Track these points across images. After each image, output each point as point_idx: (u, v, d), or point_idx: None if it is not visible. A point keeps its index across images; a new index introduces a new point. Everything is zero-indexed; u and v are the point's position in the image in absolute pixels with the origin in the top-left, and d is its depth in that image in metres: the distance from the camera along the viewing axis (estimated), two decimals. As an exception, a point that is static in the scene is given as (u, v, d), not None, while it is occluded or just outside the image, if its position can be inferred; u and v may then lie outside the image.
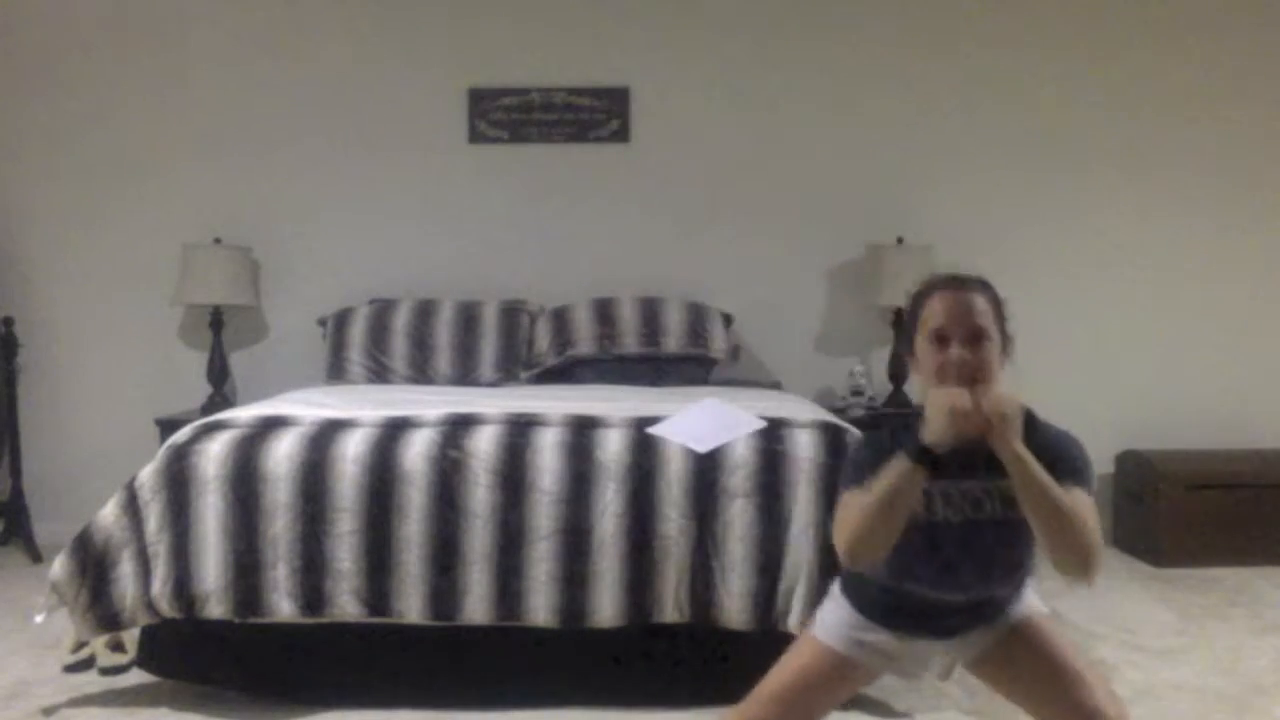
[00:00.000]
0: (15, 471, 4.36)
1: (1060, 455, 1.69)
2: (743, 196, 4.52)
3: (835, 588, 1.94)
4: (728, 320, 4.30)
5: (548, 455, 2.68)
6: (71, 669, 2.78)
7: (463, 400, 3.27)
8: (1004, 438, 1.60)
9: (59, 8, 4.49)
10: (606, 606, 2.60)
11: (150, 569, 2.66)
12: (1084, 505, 1.62)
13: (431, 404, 3.13)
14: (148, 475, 2.71)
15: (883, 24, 4.51)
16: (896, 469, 1.63)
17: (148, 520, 2.68)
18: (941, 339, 1.69)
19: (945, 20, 4.51)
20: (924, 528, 1.71)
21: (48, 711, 2.70)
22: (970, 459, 1.68)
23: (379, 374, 4.12)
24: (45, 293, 4.53)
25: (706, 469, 2.66)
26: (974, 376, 1.66)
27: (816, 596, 2.58)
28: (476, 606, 2.62)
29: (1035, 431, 1.72)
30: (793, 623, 2.60)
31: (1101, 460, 4.55)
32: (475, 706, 2.69)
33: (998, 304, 1.75)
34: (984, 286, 1.77)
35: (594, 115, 4.49)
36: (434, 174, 4.52)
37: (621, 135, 4.49)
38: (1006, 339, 1.75)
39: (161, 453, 2.77)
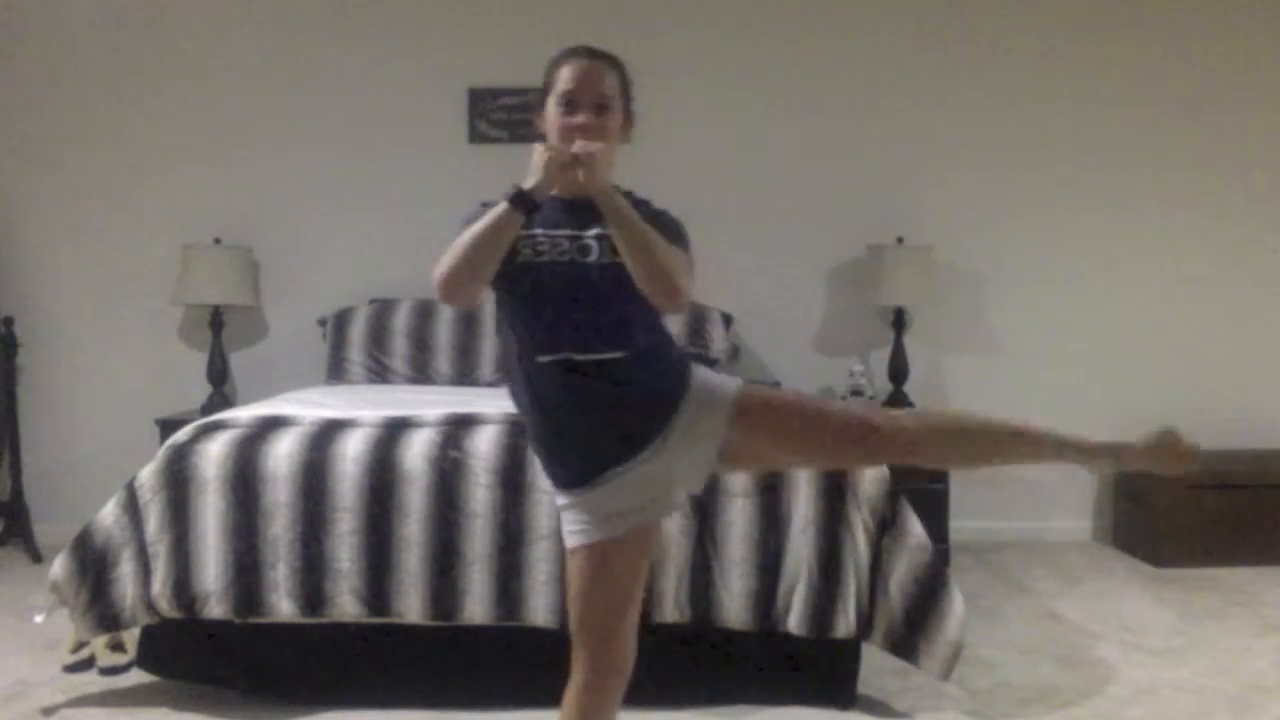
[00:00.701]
0: (15, 471, 4.37)
1: (658, 219, 1.80)
2: (743, 196, 4.52)
3: (558, 499, 1.91)
4: (728, 320, 4.30)
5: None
6: (71, 669, 2.78)
7: (463, 400, 3.27)
8: (591, 177, 1.68)
9: (59, 8, 4.49)
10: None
11: (150, 569, 2.66)
12: (674, 251, 1.74)
13: (431, 404, 3.13)
14: (148, 475, 2.72)
15: (883, 24, 4.51)
16: (496, 210, 1.72)
17: (148, 520, 2.68)
18: (570, 104, 1.78)
19: (945, 20, 4.51)
20: (531, 269, 1.78)
21: (48, 711, 2.71)
22: (582, 214, 1.78)
23: (379, 374, 4.13)
24: (45, 293, 4.53)
25: (706, 469, 2.65)
26: (590, 138, 1.74)
27: (816, 596, 2.60)
28: (476, 606, 2.62)
29: (637, 202, 1.81)
30: (792, 623, 2.60)
31: (1101, 460, 4.55)
32: (475, 706, 2.69)
33: (626, 83, 1.86)
34: (616, 64, 1.86)
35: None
36: (434, 174, 4.52)
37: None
38: (629, 117, 1.86)
39: (161, 453, 2.77)
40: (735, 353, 4.39)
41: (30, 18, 4.49)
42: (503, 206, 1.71)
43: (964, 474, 4.36)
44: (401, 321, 4.19)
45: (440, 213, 4.46)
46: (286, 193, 4.53)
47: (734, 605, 2.61)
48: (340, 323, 4.25)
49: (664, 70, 4.49)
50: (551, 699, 2.69)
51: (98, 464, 4.35)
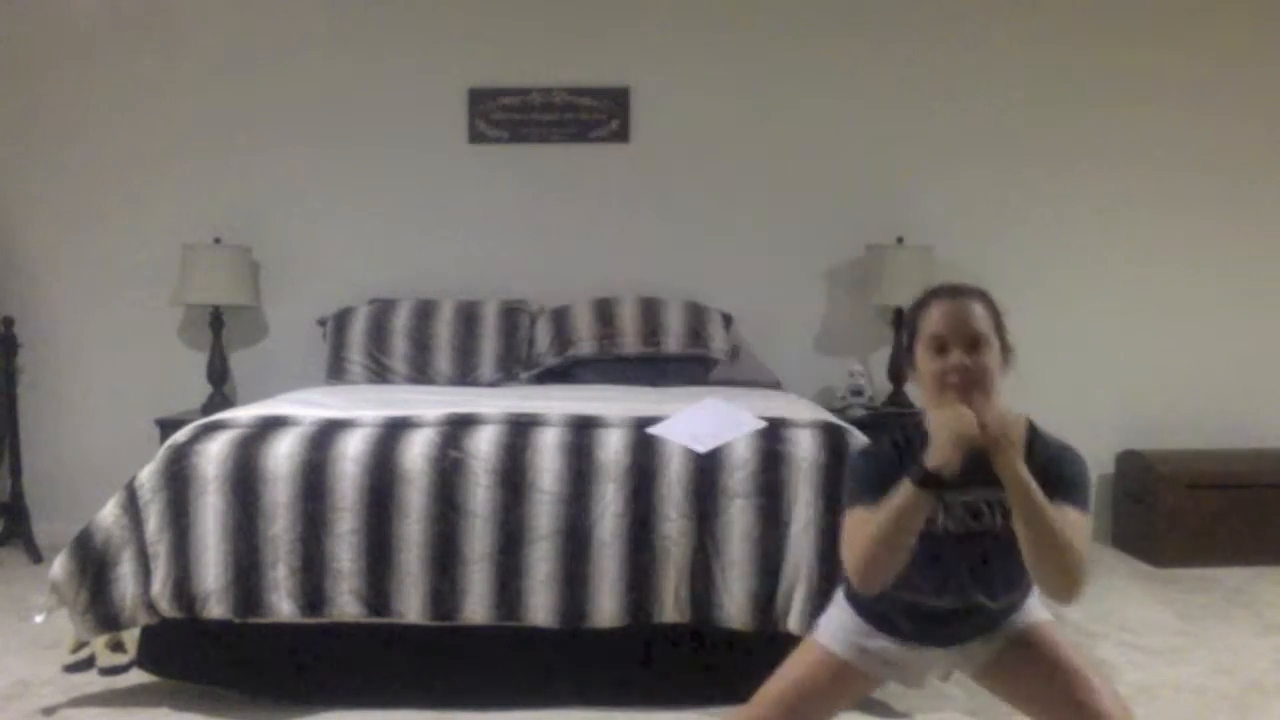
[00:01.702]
0: (15, 471, 4.36)
1: (1061, 473, 1.68)
2: (743, 196, 4.52)
3: (839, 594, 1.93)
4: (728, 320, 4.30)
5: (548, 455, 2.68)
6: (71, 669, 2.78)
7: (463, 400, 3.27)
8: (1006, 457, 1.60)
9: (59, 8, 4.49)
10: (606, 606, 2.60)
11: (150, 569, 2.66)
12: (1076, 526, 1.61)
13: (431, 404, 3.13)
14: (148, 475, 2.71)
15: (883, 24, 4.51)
16: (903, 493, 1.62)
17: (148, 520, 2.68)
18: (941, 346, 1.69)
19: (946, 21, 4.51)
20: (924, 538, 1.70)
21: (48, 711, 2.70)
22: (972, 469, 1.66)
23: (379, 374, 4.12)
24: (45, 293, 4.53)
25: (706, 469, 2.66)
26: (974, 382, 1.67)
27: (816, 596, 2.59)
28: (476, 606, 2.62)
29: (1037, 443, 1.72)
30: (793, 623, 2.60)
31: (1101, 460, 4.55)
32: (475, 706, 2.69)
33: (996, 313, 1.75)
34: (982, 296, 1.76)
35: (594, 115, 4.49)
36: (434, 174, 4.52)
37: (621, 135, 4.49)
38: (1006, 348, 1.75)
39: (161, 453, 2.77)
40: (735, 353, 4.39)
41: (31, 18, 4.49)
42: (910, 489, 1.62)
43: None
44: (401, 321, 4.19)
45: (440, 213, 4.51)
46: (286, 193, 4.53)
47: (734, 605, 2.61)
48: (340, 323, 4.25)
49: (664, 70, 4.49)
50: (552, 699, 2.70)
51: (98, 464, 4.35)
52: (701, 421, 2.82)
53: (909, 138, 4.52)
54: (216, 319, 4.37)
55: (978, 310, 1.71)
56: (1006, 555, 1.69)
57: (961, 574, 1.73)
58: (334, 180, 4.53)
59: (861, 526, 1.66)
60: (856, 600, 1.87)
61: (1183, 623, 3.42)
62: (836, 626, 1.87)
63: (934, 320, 1.69)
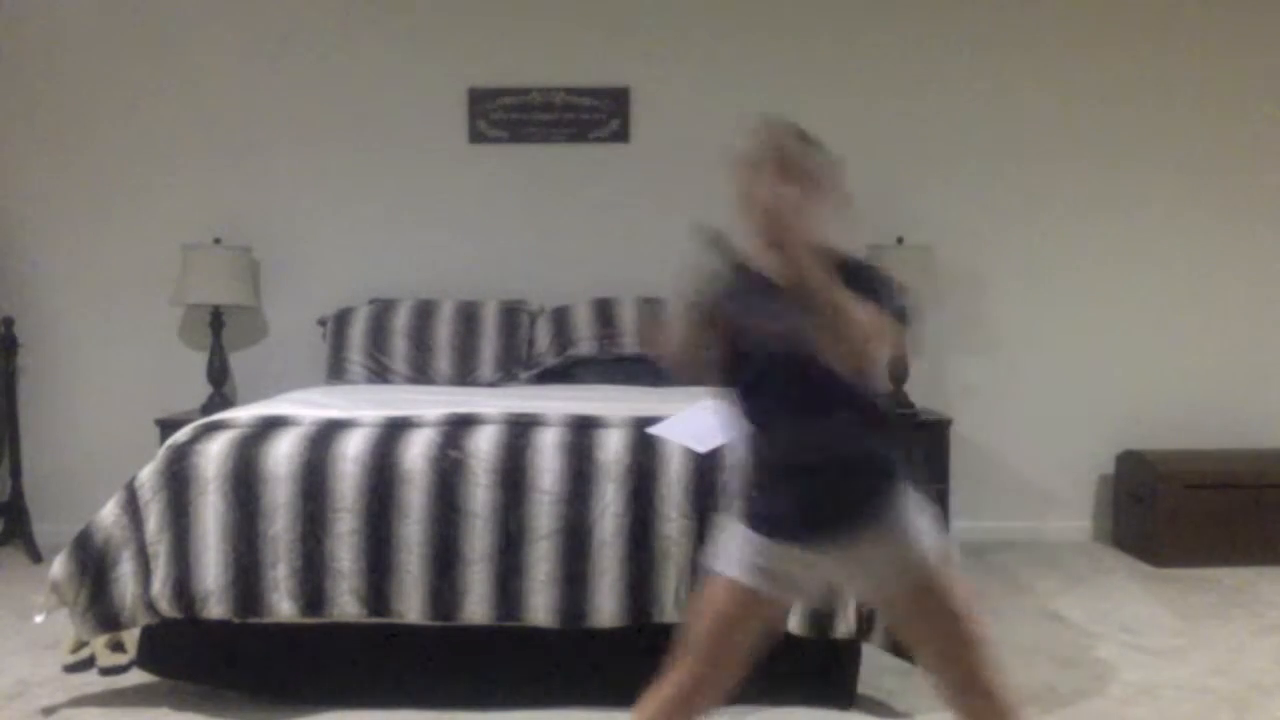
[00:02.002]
0: (15, 471, 4.36)
1: (865, 282, 1.75)
2: (743, 196, 4.51)
3: (730, 521, 1.95)
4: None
5: (548, 455, 2.68)
6: (71, 669, 2.78)
7: (463, 400, 3.27)
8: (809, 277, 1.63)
9: (59, 8, 4.49)
10: (606, 606, 2.60)
11: (150, 569, 2.66)
12: (871, 312, 1.65)
13: (431, 404, 3.13)
14: (148, 475, 2.71)
15: (882, 24, 4.51)
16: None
17: (148, 520, 2.68)
18: (760, 175, 1.78)
19: (945, 20, 4.51)
20: (751, 357, 1.79)
21: (48, 711, 2.71)
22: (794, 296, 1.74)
23: (379, 374, 4.13)
24: (45, 293, 4.53)
25: (706, 469, 2.66)
26: (791, 211, 1.72)
27: (816, 596, 2.59)
28: (476, 606, 2.62)
29: (849, 263, 1.77)
30: (792, 623, 2.60)
31: (1101, 460, 4.56)
32: (475, 706, 2.69)
33: (831, 161, 1.84)
34: (808, 137, 1.85)
35: (594, 115, 4.49)
36: (434, 174, 4.52)
37: (621, 135, 4.49)
38: (836, 193, 1.83)
39: (161, 453, 2.77)
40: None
41: (30, 18, 4.49)
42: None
43: (964, 473, 4.38)
44: (401, 321, 4.19)
45: (440, 213, 4.51)
46: (286, 193, 4.53)
47: (734, 605, 2.61)
48: (340, 323, 4.25)
49: (664, 70, 4.49)
50: (552, 699, 2.70)
51: (98, 464, 4.35)
52: (701, 422, 2.82)
53: (909, 137, 4.52)
54: (216, 319, 4.37)
55: (801, 145, 1.81)
56: (833, 380, 1.72)
57: (792, 393, 1.77)
58: (334, 180, 4.53)
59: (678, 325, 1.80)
60: (744, 509, 1.90)
61: (1183, 623, 3.42)
62: (732, 551, 1.88)
63: (757, 149, 1.80)
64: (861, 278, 1.72)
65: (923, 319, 1.79)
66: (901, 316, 1.78)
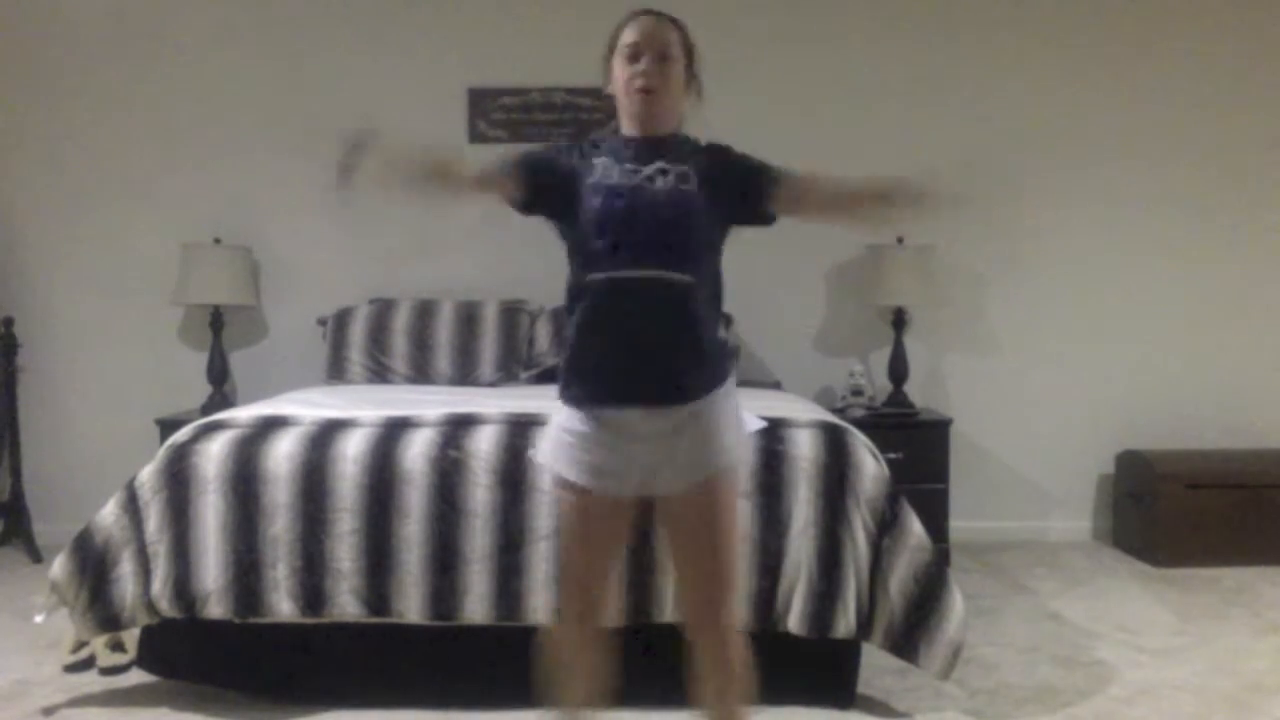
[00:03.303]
0: (15, 471, 4.37)
1: (730, 160, 1.98)
2: (743, 196, 4.52)
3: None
4: (728, 320, 4.30)
5: (536, 452, 2.68)
6: (71, 669, 2.78)
7: (463, 400, 3.27)
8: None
9: (59, 8, 4.49)
10: (607, 607, 2.60)
11: (150, 569, 2.66)
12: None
13: (431, 404, 3.13)
14: (148, 475, 2.72)
15: (881, 25, 4.51)
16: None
17: (148, 520, 2.68)
18: (633, 56, 1.88)
19: (944, 20, 4.51)
20: (600, 190, 1.86)
21: (48, 711, 2.71)
22: (649, 151, 1.91)
23: (379, 374, 4.13)
24: (45, 293, 4.53)
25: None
26: (658, 87, 1.87)
27: (816, 596, 2.60)
28: (476, 606, 2.62)
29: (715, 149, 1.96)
30: (793, 623, 2.60)
31: (1101, 460, 4.56)
32: (475, 706, 2.69)
33: (688, 41, 1.97)
34: (677, 24, 1.97)
35: (594, 115, 4.49)
36: (434, 174, 4.51)
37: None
38: (693, 76, 1.98)
39: (161, 453, 2.78)
40: (735, 353, 4.39)
41: (30, 18, 4.49)
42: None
43: (964, 474, 4.38)
44: (401, 321, 4.19)
45: (440, 213, 4.50)
46: (286, 193, 4.53)
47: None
48: (340, 323, 4.26)
49: (664, 70, 4.49)
50: (551, 699, 2.70)
51: (98, 464, 4.35)
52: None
53: (909, 137, 4.52)
54: (216, 319, 4.37)
55: (670, 31, 1.92)
56: (675, 213, 1.85)
57: (634, 226, 1.84)
58: (334, 180, 4.51)
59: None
60: (561, 380, 1.95)
61: (1183, 623, 3.42)
62: (553, 445, 1.94)
63: (629, 33, 1.90)
64: (727, 157, 1.94)
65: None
66: (775, 173, 1.97)
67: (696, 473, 1.88)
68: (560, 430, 1.94)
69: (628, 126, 1.93)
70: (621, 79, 1.89)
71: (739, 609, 1.96)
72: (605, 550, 1.99)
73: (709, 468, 1.88)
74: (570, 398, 1.92)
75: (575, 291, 1.91)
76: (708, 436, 1.88)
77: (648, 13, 1.93)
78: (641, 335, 1.85)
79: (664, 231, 1.84)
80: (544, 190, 1.94)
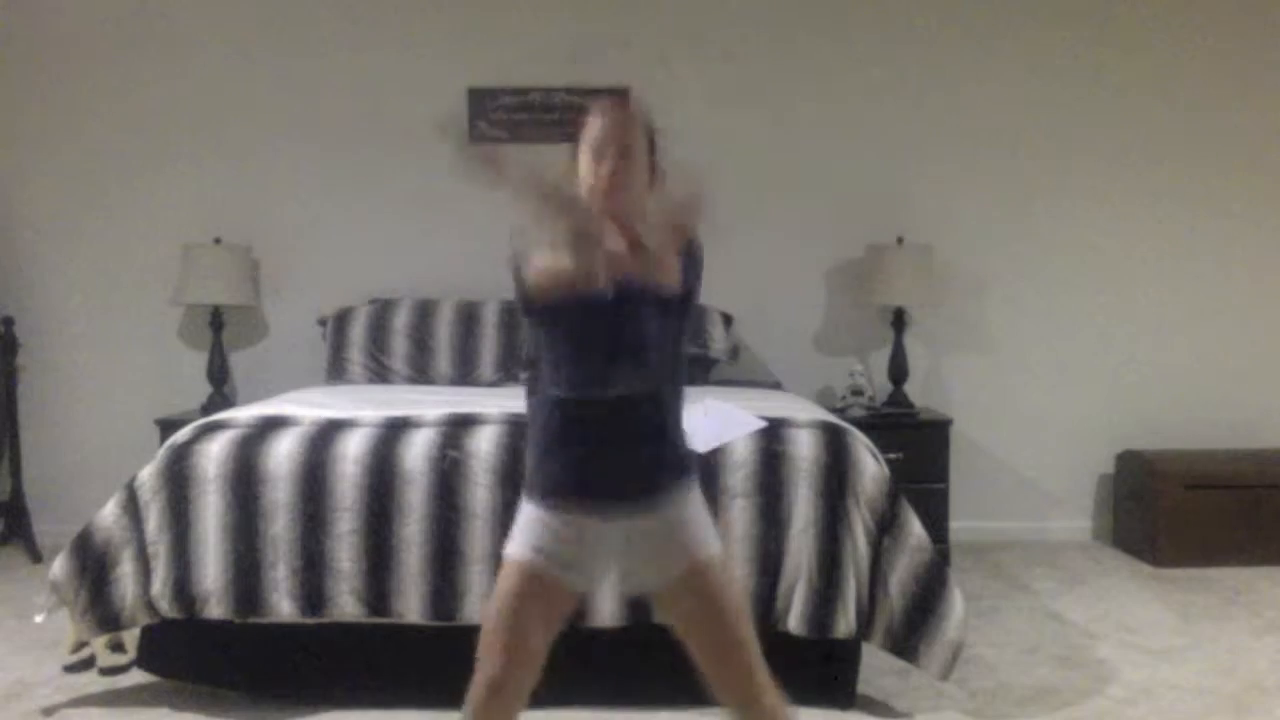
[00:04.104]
0: (15, 471, 4.37)
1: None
2: (743, 196, 4.51)
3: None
4: (728, 320, 4.29)
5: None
6: (71, 669, 2.79)
7: (463, 400, 3.27)
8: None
9: (58, 8, 4.49)
10: (606, 606, 2.60)
11: (150, 569, 2.66)
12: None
13: (431, 404, 3.13)
14: (148, 475, 2.72)
15: (883, 24, 4.51)
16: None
17: (148, 520, 2.68)
18: (598, 155, 1.87)
19: (944, 20, 4.51)
20: (576, 311, 1.82)
21: (48, 711, 2.71)
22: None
23: (379, 374, 4.13)
24: (45, 293, 4.53)
25: (706, 469, 2.65)
26: (622, 186, 1.85)
27: (816, 596, 2.60)
28: (476, 606, 2.62)
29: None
30: (793, 623, 2.60)
31: (1101, 460, 4.56)
32: (475, 706, 2.69)
33: (650, 132, 1.95)
34: (642, 117, 1.95)
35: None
36: (434, 174, 4.51)
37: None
38: (655, 167, 1.95)
39: (161, 453, 2.78)
40: (735, 353, 4.39)
41: (29, 17, 4.49)
42: None
43: (964, 473, 4.38)
44: (401, 321, 4.19)
45: (440, 213, 4.50)
46: (286, 193, 4.53)
47: (734, 605, 2.61)
48: (340, 323, 4.25)
49: (664, 70, 4.49)
50: (551, 698, 2.70)
51: (98, 464, 4.35)
52: (702, 422, 2.82)
53: (909, 138, 4.52)
54: (216, 319, 4.37)
55: (634, 129, 1.90)
56: (644, 335, 1.83)
57: (605, 341, 1.82)
58: (334, 180, 4.53)
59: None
60: (527, 480, 1.93)
61: (1183, 623, 3.42)
62: (517, 533, 1.92)
63: (592, 130, 1.88)
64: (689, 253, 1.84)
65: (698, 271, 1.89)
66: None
67: (677, 564, 1.87)
68: (529, 520, 1.91)
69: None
70: (587, 174, 1.90)
71: (769, 680, 1.92)
72: (537, 643, 1.92)
73: (687, 559, 1.88)
74: (536, 498, 1.91)
75: (542, 399, 1.90)
76: (677, 532, 1.88)
77: (612, 106, 1.94)
78: (607, 445, 1.85)
79: (633, 350, 1.83)
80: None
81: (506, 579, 1.90)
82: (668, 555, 1.87)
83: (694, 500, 1.91)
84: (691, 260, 1.82)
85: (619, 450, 1.84)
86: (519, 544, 1.90)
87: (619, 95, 1.96)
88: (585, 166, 1.89)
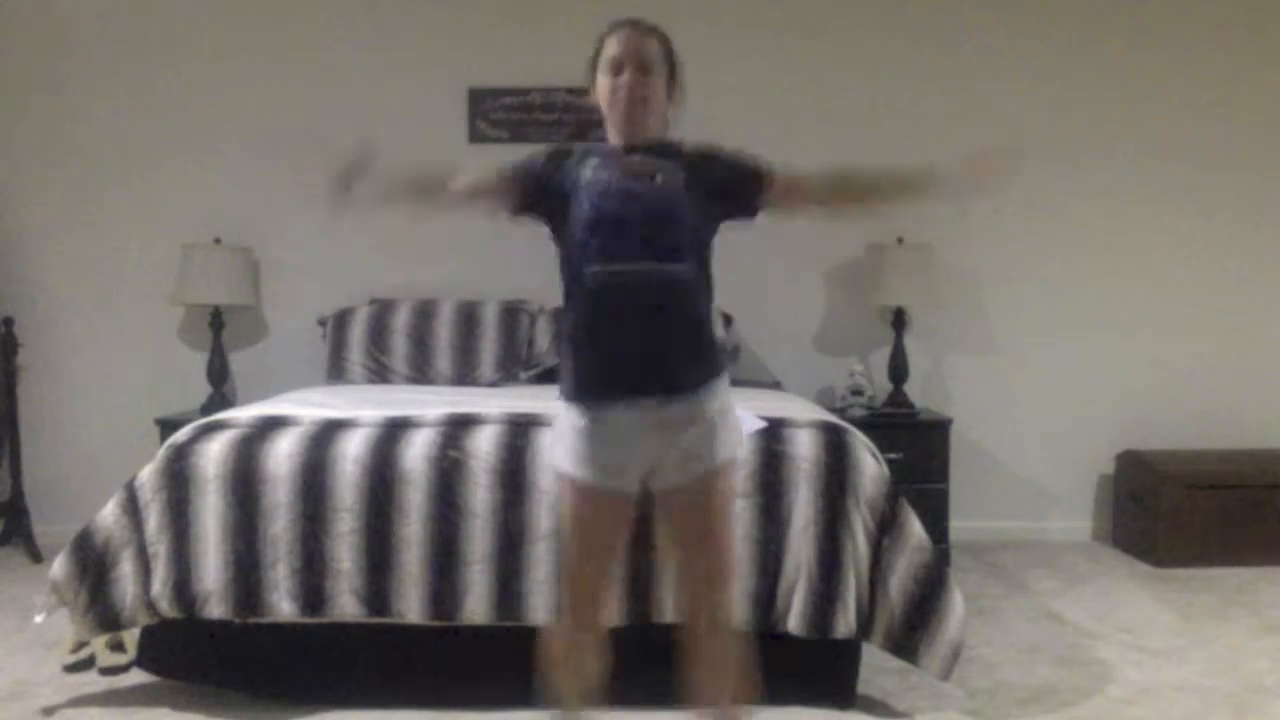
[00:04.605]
0: (15, 471, 4.37)
1: (718, 157, 2.01)
2: (743, 196, 4.52)
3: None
4: (728, 320, 4.30)
5: (548, 455, 2.68)
6: (71, 669, 2.78)
7: (463, 400, 3.27)
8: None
9: (58, 8, 4.49)
10: (607, 606, 2.60)
11: (150, 569, 2.66)
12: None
13: (431, 404, 3.13)
14: (148, 475, 2.72)
15: (881, 23, 4.51)
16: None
17: (148, 520, 2.68)
18: (616, 69, 1.92)
19: (944, 18, 4.51)
20: (591, 192, 1.91)
21: (48, 711, 2.71)
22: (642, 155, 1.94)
23: (379, 374, 4.13)
24: (45, 293, 4.53)
25: (706, 469, 2.65)
26: (641, 99, 1.90)
27: (816, 596, 2.60)
28: (476, 606, 2.62)
29: (686, 145, 1.98)
30: (793, 623, 2.60)
31: (1101, 460, 4.56)
32: (475, 706, 2.69)
33: (670, 49, 1.98)
34: (659, 33, 1.99)
35: (594, 115, 4.45)
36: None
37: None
38: (675, 82, 2.00)
39: (161, 453, 2.78)
40: (735, 353, 4.39)
41: (29, 17, 4.49)
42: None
43: (964, 473, 4.38)
44: (401, 321, 4.19)
45: (428, 223, 4.49)
46: (286, 193, 4.52)
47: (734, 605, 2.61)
48: (340, 323, 4.25)
49: (664, 70, 4.49)
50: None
51: (98, 464, 4.35)
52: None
53: (909, 137, 4.52)
54: (216, 319, 4.37)
55: (652, 43, 1.94)
56: (667, 213, 1.88)
57: (628, 218, 1.86)
58: (327, 194, 4.51)
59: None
60: (563, 379, 1.96)
61: (1183, 623, 3.42)
62: (558, 441, 1.95)
63: (612, 45, 1.93)
64: (714, 156, 1.96)
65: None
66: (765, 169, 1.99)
67: (697, 466, 1.90)
68: (564, 429, 1.94)
69: (614, 136, 1.97)
70: (605, 91, 1.94)
71: (738, 607, 1.97)
72: (606, 549, 2.00)
73: (709, 461, 1.90)
74: (570, 395, 1.93)
75: (571, 289, 1.93)
76: (707, 430, 1.90)
77: (630, 24, 1.96)
78: (639, 327, 1.86)
79: (654, 228, 1.86)
80: (536, 196, 2.00)
81: (565, 500, 1.95)
82: (694, 451, 1.88)
83: (725, 396, 1.93)
84: (705, 159, 1.90)
85: (649, 330, 1.85)
86: (564, 457, 1.93)
87: (638, 21, 2.01)
88: (603, 84, 1.94)
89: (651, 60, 1.91)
